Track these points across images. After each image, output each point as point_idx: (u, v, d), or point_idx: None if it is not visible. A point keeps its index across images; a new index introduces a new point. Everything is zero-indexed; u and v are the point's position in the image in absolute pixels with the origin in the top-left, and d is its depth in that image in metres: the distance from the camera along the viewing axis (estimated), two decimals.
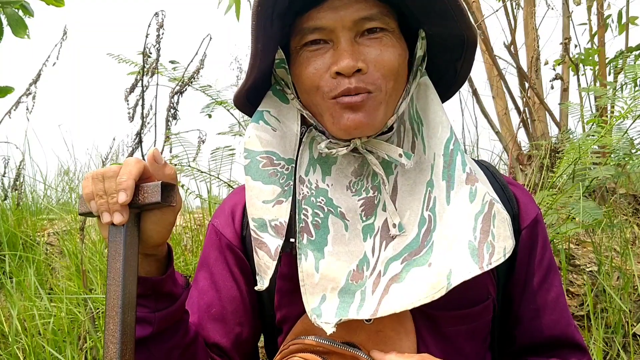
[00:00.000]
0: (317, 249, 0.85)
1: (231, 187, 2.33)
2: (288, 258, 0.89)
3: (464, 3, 0.83)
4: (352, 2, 0.83)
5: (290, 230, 0.86)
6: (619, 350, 1.79)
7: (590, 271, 2.07)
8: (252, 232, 0.86)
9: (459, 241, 0.81)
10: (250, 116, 0.93)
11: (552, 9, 2.91)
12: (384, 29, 0.84)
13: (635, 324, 1.88)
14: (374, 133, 0.87)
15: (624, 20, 3.06)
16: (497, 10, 2.90)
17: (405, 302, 0.80)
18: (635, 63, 2.53)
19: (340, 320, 0.81)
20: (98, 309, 1.96)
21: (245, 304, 0.95)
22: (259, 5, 0.79)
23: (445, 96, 0.97)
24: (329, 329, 0.81)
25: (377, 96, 0.84)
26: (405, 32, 0.89)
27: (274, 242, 0.85)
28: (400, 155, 0.86)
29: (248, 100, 0.94)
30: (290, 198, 0.87)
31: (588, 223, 1.83)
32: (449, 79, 0.95)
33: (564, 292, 0.96)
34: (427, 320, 0.86)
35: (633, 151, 2.08)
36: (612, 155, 2.13)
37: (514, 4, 2.89)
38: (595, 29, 3.03)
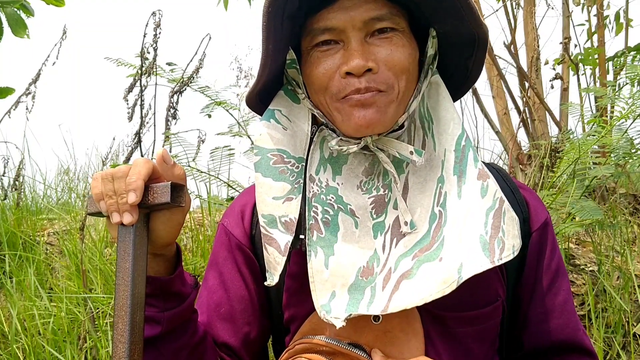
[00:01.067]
0: (327, 245, 0.86)
1: (231, 187, 2.33)
2: (297, 257, 0.89)
3: (473, 1, 0.83)
4: (362, 2, 0.83)
5: (300, 227, 0.86)
6: (619, 350, 1.80)
7: (591, 271, 2.08)
8: (261, 228, 0.86)
9: (470, 235, 0.81)
10: (261, 116, 0.93)
11: (552, 8, 2.92)
12: (394, 28, 0.85)
13: (635, 324, 1.88)
14: (384, 130, 0.87)
15: (621, 20, 3.06)
16: (497, 10, 2.91)
17: (416, 297, 0.79)
18: (634, 63, 2.54)
19: (350, 315, 0.81)
20: (98, 308, 1.95)
21: (254, 303, 0.95)
22: (270, 5, 0.79)
23: (456, 95, 0.97)
24: (339, 324, 0.80)
25: (389, 95, 0.84)
26: (416, 31, 0.89)
27: (284, 238, 0.85)
28: (412, 153, 0.86)
29: (260, 100, 0.94)
30: (300, 195, 0.88)
31: (588, 222, 1.83)
32: (460, 77, 0.95)
33: (572, 296, 0.96)
34: (436, 321, 0.86)
35: (633, 151, 2.09)
36: (612, 155, 2.13)
37: (514, 3, 2.90)
38: (593, 28, 3.03)
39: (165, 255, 0.84)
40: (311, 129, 0.92)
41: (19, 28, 2.17)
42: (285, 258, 0.84)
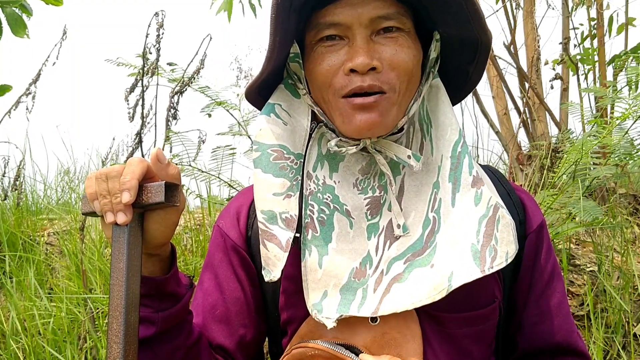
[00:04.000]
0: (322, 245, 0.86)
1: (231, 186, 2.33)
2: (292, 258, 0.88)
3: (480, 7, 0.83)
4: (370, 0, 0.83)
5: (296, 225, 0.86)
6: (619, 350, 1.79)
7: (591, 271, 2.07)
8: (260, 225, 0.86)
9: (462, 243, 0.81)
10: (260, 109, 0.93)
11: (553, 8, 2.91)
12: (400, 28, 0.84)
13: (635, 324, 1.88)
14: (384, 133, 0.87)
15: (620, 22, 3.05)
16: (497, 11, 2.90)
17: (406, 302, 0.80)
18: (636, 65, 2.53)
19: (341, 316, 0.82)
20: (98, 308, 1.95)
21: (250, 305, 0.95)
22: None
23: (455, 98, 0.97)
24: (330, 324, 0.81)
25: (390, 97, 0.84)
26: (419, 33, 0.89)
27: (285, 235, 0.84)
28: (409, 157, 0.86)
29: (259, 93, 0.94)
30: (298, 193, 0.88)
31: (588, 222, 1.83)
32: (460, 81, 0.95)
33: (567, 299, 0.96)
34: (434, 322, 0.86)
35: (634, 152, 2.09)
36: (612, 155, 2.13)
37: (513, 4, 2.89)
38: (594, 30, 3.02)
39: (160, 255, 0.84)
40: (310, 124, 0.92)
41: (18, 28, 2.17)
42: (286, 254, 0.84)
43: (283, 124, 0.90)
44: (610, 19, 3.03)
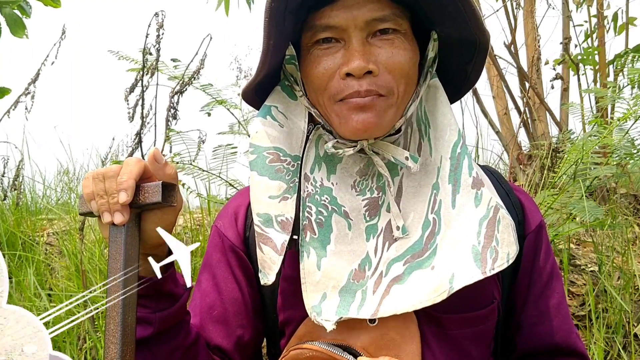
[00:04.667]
0: (320, 247, 0.85)
1: (232, 186, 2.32)
2: (291, 259, 0.88)
3: (477, 7, 0.82)
4: (365, 2, 0.82)
5: (294, 227, 0.86)
6: (619, 350, 1.79)
7: (592, 271, 2.07)
8: (256, 228, 0.85)
9: (463, 245, 0.81)
10: (258, 109, 0.93)
11: (553, 8, 2.91)
12: (396, 30, 0.84)
13: (636, 324, 1.87)
14: (382, 135, 0.86)
15: (622, 21, 3.04)
16: (497, 11, 2.90)
17: (406, 304, 0.80)
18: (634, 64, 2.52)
19: (341, 318, 0.81)
20: (98, 309, 1.95)
21: (248, 306, 0.95)
22: (273, 1, 0.78)
23: (454, 97, 0.96)
24: (329, 326, 0.81)
25: (388, 99, 0.83)
26: (417, 32, 0.88)
27: (280, 238, 0.84)
28: (407, 159, 0.85)
29: (256, 94, 0.93)
30: (295, 195, 0.87)
31: (589, 222, 1.83)
32: (458, 81, 0.94)
33: (566, 299, 0.96)
34: (432, 323, 0.86)
35: (634, 151, 2.08)
36: (613, 155, 2.13)
37: (514, 3, 2.88)
38: (594, 29, 3.02)
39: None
40: (307, 126, 0.91)
41: (17, 28, 2.16)
42: (282, 257, 0.83)
43: (279, 126, 0.90)
44: (615, 16, 3.02)
